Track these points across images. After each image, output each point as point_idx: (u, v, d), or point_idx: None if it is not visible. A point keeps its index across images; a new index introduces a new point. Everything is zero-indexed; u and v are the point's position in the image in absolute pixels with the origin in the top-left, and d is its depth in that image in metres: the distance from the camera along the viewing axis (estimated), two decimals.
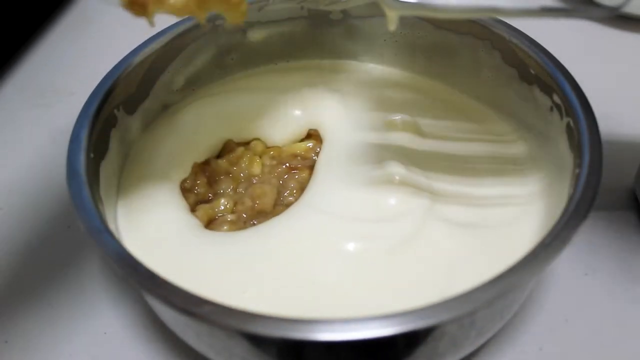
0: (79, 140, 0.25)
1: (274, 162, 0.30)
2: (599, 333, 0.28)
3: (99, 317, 0.29)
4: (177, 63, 0.32)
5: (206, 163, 0.30)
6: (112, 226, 0.25)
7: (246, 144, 0.31)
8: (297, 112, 0.31)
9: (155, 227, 0.26)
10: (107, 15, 0.49)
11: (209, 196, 0.28)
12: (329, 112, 0.31)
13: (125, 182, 0.29)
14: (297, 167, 0.29)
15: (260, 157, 0.30)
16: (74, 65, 0.45)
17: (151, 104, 0.31)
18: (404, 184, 0.27)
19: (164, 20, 0.31)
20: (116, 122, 0.28)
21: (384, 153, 0.29)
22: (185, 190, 0.28)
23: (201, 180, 0.29)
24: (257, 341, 0.21)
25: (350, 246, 0.25)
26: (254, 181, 0.29)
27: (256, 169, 0.29)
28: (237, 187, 0.29)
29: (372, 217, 0.26)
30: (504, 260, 0.21)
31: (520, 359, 0.27)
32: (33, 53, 0.46)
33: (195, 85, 0.33)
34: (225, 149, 0.30)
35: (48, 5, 0.50)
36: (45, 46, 0.47)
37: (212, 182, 0.29)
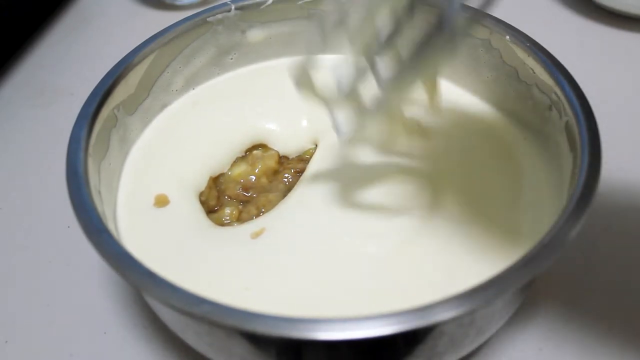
0: (79, 140, 0.25)
1: (281, 168, 0.30)
2: (598, 333, 0.28)
3: (99, 317, 0.29)
4: (177, 63, 0.32)
5: (218, 177, 0.30)
6: (112, 226, 0.25)
7: (250, 150, 0.31)
8: (304, 123, 0.31)
9: (155, 227, 0.26)
10: (107, 16, 0.49)
11: (216, 208, 0.29)
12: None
13: (126, 182, 0.28)
14: (304, 169, 0.29)
15: (267, 169, 0.30)
16: (74, 65, 0.45)
17: (151, 104, 0.31)
18: (404, 182, 0.27)
19: (163, 21, 0.31)
20: (116, 122, 0.28)
21: (384, 151, 0.29)
22: (201, 202, 0.28)
23: (212, 194, 0.29)
24: (257, 340, 0.21)
25: (351, 245, 0.25)
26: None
27: (265, 181, 0.29)
28: (241, 200, 0.29)
29: (372, 215, 0.26)
30: (503, 260, 0.21)
31: (520, 359, 0.27)
32: (33, 53, 0.46)
33: (195, 85, 0.33)
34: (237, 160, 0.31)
35: (48, 5, 0.50)
36: (45, 46, 0.47)
37: (220, 194, 0.29)
